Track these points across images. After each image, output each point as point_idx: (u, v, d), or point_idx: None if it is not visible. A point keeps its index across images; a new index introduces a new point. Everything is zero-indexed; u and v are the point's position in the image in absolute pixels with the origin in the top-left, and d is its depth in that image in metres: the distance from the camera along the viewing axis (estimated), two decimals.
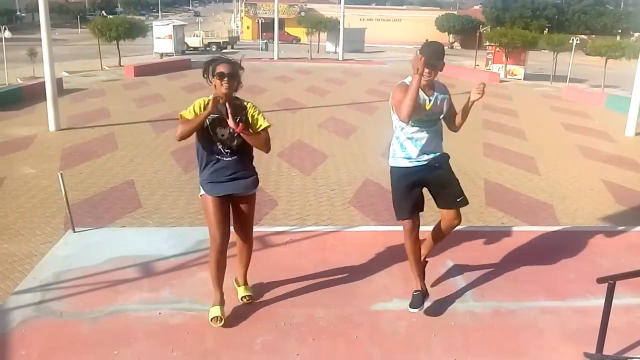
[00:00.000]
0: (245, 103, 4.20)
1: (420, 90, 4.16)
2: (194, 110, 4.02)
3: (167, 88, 22.33)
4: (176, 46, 39.24)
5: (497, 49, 31.51)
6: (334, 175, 10.74)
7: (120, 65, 29.12)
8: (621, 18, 55.64)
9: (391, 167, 4.50)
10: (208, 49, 45.06)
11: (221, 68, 3.99)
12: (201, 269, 4.97)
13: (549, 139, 14.97)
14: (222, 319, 4.09)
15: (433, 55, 4.14)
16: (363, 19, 59.97)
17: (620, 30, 53.92)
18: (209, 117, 3.99)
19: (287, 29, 58.49)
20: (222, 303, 4.18)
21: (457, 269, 5.10)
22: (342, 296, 4.62)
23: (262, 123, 4.23)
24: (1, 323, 4.10)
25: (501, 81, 28.99)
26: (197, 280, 4.80)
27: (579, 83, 28.01)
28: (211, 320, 4.10)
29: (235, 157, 4.13)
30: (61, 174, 5.84)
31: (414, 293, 4.37)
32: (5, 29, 22.59)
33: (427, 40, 4.41)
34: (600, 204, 9.42)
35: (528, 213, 8.79)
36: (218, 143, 4.09)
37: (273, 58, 37.65)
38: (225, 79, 3.97)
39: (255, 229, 6.58)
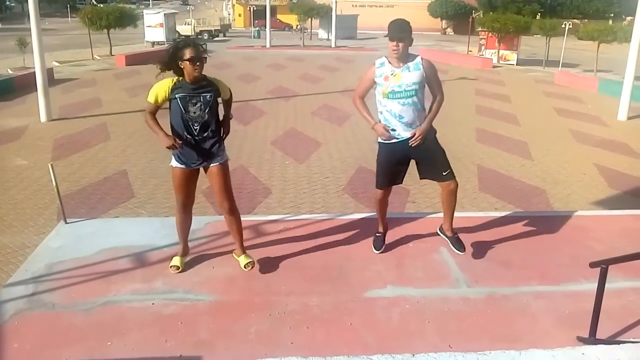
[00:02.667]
0: (212, 79, 4.51)
1: (388, 63, 4.61)
2: (157, 95, 4.36)
3: (158, 77, 22.14)
4: (167, 35, 38.89)
5: (490, 34, 31.42)
6: (327, 162, 10.72)
7: (112, 55, 28.86)
8: (613, 2, 55.53)
9: (378, 142, 4.83)
10: (200, 37, 44.72)
11: (191, 52, 4.22)
12: (195, 258, 4.96)
13: (541, 124, 14.98)
14: (178, 268, 4.67)
15: (398, 29, 4.45)
16: (355, 6, 59.66)
17: (612, 15, 53.83)
18: (179, 95, 4.31)
19: (279, 16, 58.15)
20: (183, 254, 4.78)
21: (451, 255, 5.11)
22: (336, 284, 4.63)
23: (227, 89, 4.65)
24: None
25: (494, 66, 28.95)
26: (190, 270, 4.79)
27: (572, 68, 27.99)
28: (170, 267, 4.68)
29: (204, 133, 4.41)
30: (52, 165, 5.80)
31: (376, 234, 5.20)
32: None
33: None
34: (593, 188, 9.44)
35: (521, 198, 8.81)
36: (188, 120, 4.36)
37: (265, 46, 37.43)
38: (197, 62, 4.24)
39: (250, 217, 6.60)
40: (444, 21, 62.29)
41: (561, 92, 20.93)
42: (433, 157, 4.75)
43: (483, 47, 32.77)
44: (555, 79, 23.93)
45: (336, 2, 41.09)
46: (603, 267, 3.68)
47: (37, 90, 14.27)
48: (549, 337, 3.93)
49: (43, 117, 14.12)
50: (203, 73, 4.37)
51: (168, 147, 4.35)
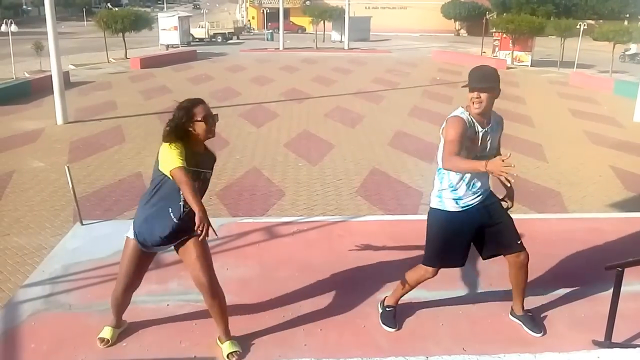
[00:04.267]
0: (211, 150, 3.72)
1: (470, 119, 3.63)
2: (181, 157, 3.31)
3: (173, 80, 22.32)
4: (182, 38, 39.15)
5: (504, 35, 31.26)
6: (340, 165, 10.73)
7: (127, 58, 29.11)
8: (629, 2, 54.91)
9: (433, 208, 3.86)
10: (214, 39, 44.94)
11: (205, 111, 3.45)
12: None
13: (556, 126, 14.87)
14: (108, 342, 3.79)
15: (482, 79, 3.59)
16: (368, 7, 59.50)
17: (627, 15, 53.29)
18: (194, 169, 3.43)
19: (292, 19, 58.25)
20: (117, 326, 3.89)
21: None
22: (349, 286, 4.63)
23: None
24: (11, 316, 4.14)
25: (508, 68, 28.78)
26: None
27: (587, 69, 27.75)
28: (97, 339, 3.80)
29: (185, 219, 3.49)
30: (68, 167, 5.87)
31: (387, 309, 4.15)
32: (11, 23, 22.60)
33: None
34: (608, 191, 9.36)
35: (536, 200, 8.75)
36: (180, 200, 3.49)
37: (278, 48, 37.53)
38: (210, 121, 3.47)
39: (263, 219, 6.63)
40: (457, 22, 62.00)
41: (576, 93, 20.76)
42: (506, 224, 3.89)
43: (497, 49, 32.62)
44: (570, 80, 23.75)
45: (349, 4, 41.09)
46: (619, 270, 3.65)
47: (53, 93, 14.45)
48: (564, 341, 3.90)
49: (59, 120, 14.29)
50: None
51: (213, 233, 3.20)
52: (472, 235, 3.85)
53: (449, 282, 4.72)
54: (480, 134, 3.67)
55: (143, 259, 3.74)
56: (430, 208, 3.89)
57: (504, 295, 4.48)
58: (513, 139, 12.93)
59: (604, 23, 38.49)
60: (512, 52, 30.77)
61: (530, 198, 8.85)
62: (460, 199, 3.76)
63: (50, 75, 14.91)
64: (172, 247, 3.73)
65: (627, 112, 16.25)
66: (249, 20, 64.37)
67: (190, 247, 3.61)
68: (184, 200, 3.44)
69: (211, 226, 3.11)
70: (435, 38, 53.67)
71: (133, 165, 10.48)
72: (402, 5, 62.71)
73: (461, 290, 4.60)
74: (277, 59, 31.50)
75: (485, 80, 3.60)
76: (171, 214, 3.52)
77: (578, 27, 28.01)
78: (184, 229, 3.54)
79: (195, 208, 3.10)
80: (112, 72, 24.92)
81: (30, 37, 26.50)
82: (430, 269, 3.93)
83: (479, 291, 4.59)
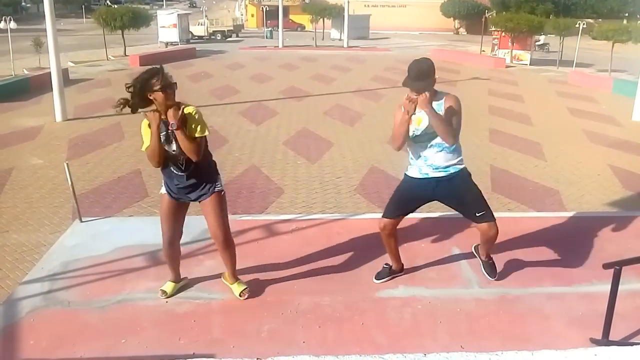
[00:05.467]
0: (186, 107, 4.01)
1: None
2: (144, 139, 4.03)
3: (172, 77, 22.25)
4: (181, 35, 39.10)
5: (503, 34, 31.27)
6: (339, 163, 10.73)
7: (126, 55, 29.06)
8: (628, 1, 54.96)
9: (405, 173, 4.55)
10: (213, 37, 44.91)
11: (158, 82, 3.82)
12: (207, 257, 5.00)
13: (555, 124, 14.88)
14: (166, 294, 4.38)
15: (415, 76, 4.11)
16: (368, 5, 59.52)
17: (627, 14, 53.31)
18: (161, 133, 3.93)
19: (291, 17, 58.21)
20: (175, 280, 4.48)
21: (463, 256, 5.10)
22: (348, 283, 4.64)
23: (197, 133, 3.97)
24: (10, 313, 4.16)
25: (507, 66, 28.79)
26: (203, 268, 4.83)
27: (586, 67, 27.76)
28: (159, 290, 4.40)
29: (187, 172, 4.06)
30: (67, 164, 5.87)
31: (384, 265, 4.76)
32: (10, 20, 22.55)
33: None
34: (607, 189, 9.37)
35: (534, 199, 8.76)
36: (170, 159, 4.03)
37: (278, 46, 37.51)
38: (168, 90, 3.85)
39: (262, 217, 6.64)
40: (456, 21, 62.00)
41: (575, 92, 20.78)
42: (464, 198, 4.38)
43: (496, 47, 32.62)
44: (569, 79, 23.76)
45: (348, 2, 41.08)
46: (617, 268, 3.67)
47: (52, 90, 14.43)
48: (562, 338, 3.92)
49: (58, 117, 14.28)
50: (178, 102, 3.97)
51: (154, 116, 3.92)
52: (424, 199, 4.51)
53: (447, 280, 4.74)
54: (417, 116, 4.24)
55: (178, 209, 4.24)
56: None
57: (502, 293, 4.50)
58: (511, 137, 12.94)
59: (603, 22, 38.50)
60: (512, 51, 30.78)
61: (528, 196, 8.86)
62: (420, 169, 4.40)
63: (50, 73, 14.89)
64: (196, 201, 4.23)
65: (625, 111, 16.27)
66: (246, 20, 64.37)
67: (208, 205, 4.15)
68: (173, 157, 4.02)
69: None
70: (435, 36, 53.68)
71: (132, 162, 10.48)
72: (402, 4, 62.71)
73: (459, 289, 4.61)
74: (276, 56, 31.48)
75: (419, 78, 4.13)
76: (174, 170, 4.09)
77: (577, 26, 28.02)
78: (198, 182, 4.11)
79: (153, 128, 3.92)
80: (111, 69, 24.89)
81: (29, 34, 26.46)
82: (381, 219, 4.55)
83: (476, 289, 4.61)
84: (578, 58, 27.34)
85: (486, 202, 4.40)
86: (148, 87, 3.82)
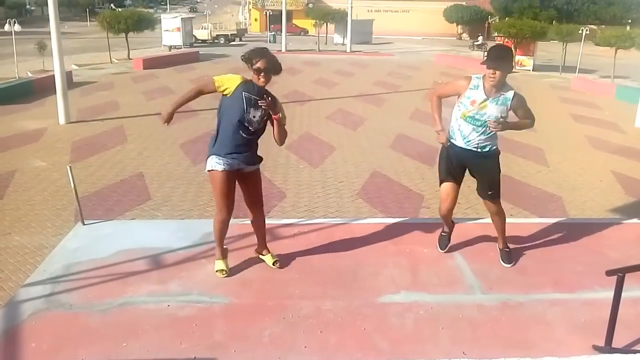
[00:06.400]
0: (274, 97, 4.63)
1: (482, 87, 4.58)
2: (225, 83, 4.52)
3: (175, 81, 22.35)
4: (184, 39, 39.23)
5: (506, 39, 31.29)
6: (342, 167, 10.74)
7: (129, 58, 29.16)
8: (631, 8, 55.03)
9: (450, 140, 4.91)
10: (216, 41, 45.02)
11: (261, 64, 4.47)
12: (210, 261, 4.99)
13: (557, 130, 14.87)
14: (226, 271, 4.71)
15: (497, 55, 4.45)
16: (371, 10, 59.65)
17: (630, 21, 53.34)
18: (246, 94, 4.43)
19: (294, 21, 58.34)
20: (225, 257, 4.79)
21: (465, 261, 5.09)
22: (349, 288, 4.63)
23: (283, 120, 4.68)
24: (12, 315, 4.15)
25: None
26: (205, 272, 4.82)
27: (589, 74, 27.76)
28: (217, 272, 4.70)
29: (253, 136, 4.55)
30: (70, 167, 5.88)
31: (442, 233, 5.27)
32: (15, 23, 22.65)
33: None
34: (609, 196, 9.36)
35: (537, 205, 8.75)
36: (246, 120, 4.44)
37: (281, 50, 37.59)
38: (262, 74, 4.48)
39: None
40: (459, 26, 62.08)
41: (578, 98, 20.78)
42: (485, 173, 4.91)
43: None
44: (571, 85, 23.76)
45: (352, 7, 41.14)
46: (619, 275, 3.66)
47: (56, 93, 14.48)
48: (564, 346, 3.90)
49: (62, 120, 14.32)
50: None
51: (164, 121, 4.52)
52: (461, 166, 4.92)
53: (449, 286, 4.73)
54: (483, 100, 4.57)
55: (231, 179, 4.54)
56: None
57: (505, 300, 4.49)
58: (514, 143, 12.93)
59: (606, 28, 38.54)
60: (514, 57, 30.78)
61: (531, 202, 8.86)
62: (453, 139, 4.87)
63: (53, 75, 14.94)
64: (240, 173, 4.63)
65: (628, 118, 16.26)
66: (249, 25, 64.43)
67: (254, 177, 4.75)
68: (248, 121, 4.50)
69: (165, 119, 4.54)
70: (438, 41, 53.73)
71: (135, 165, 10.50)
72: (405, 9, 62.85)
73: (462, 294, 4.60)
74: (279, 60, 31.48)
75: (501, 59, 4.47)
76: (239, 132, 4.49)
77: (580, 32, 28.03)
78: (252, 150, 4.63)
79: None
80: (115, 72, 24.96)
81: (34, 37, 26.56)
82: (441, 187, 5.02)
83: (478, 295, 4.59)
84: (581, 64, 27.35)
85: (499, 185, 4.97)
86: (250, 62, 4.48)
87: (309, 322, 4.12)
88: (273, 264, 4.87)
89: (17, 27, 22.49)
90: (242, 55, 4.53)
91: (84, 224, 5.77)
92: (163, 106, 4.57)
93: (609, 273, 3.78)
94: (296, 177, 10.00)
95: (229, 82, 4.50)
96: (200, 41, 43.78)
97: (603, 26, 48.21)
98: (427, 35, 59.09)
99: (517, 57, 30.80)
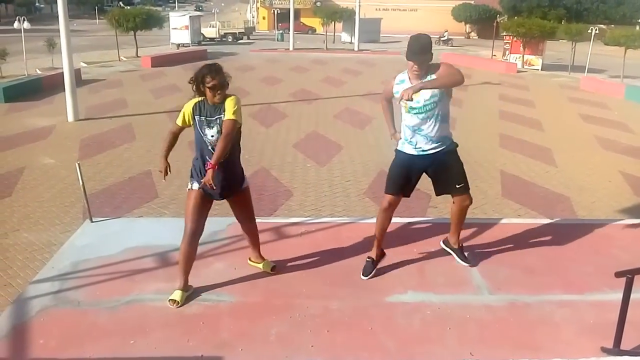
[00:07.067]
0: (228, 98, 4.26)
1: (408, 79, 4.53)
2: (184, 116, 4.34)
3: (183, 79, 22.13)
4: (192, 37, 39.29)
5: (515, 39, 31.16)
6: (349, 166, 10.73)
7: (138, 56, 29.25)
8: None
9: (396, 149, 4.85)
10: (224, 39, 45.07)
11: (211, 80, 4.16)
12: (217, 259, 5.01)
13: (566, 130, 14.80)
14: (178, 303, 4.28)
15: (416, 50, 4.34)
16: (379, 9, 59.50)
17: (639, 20, 52.99)
18: (198, 118, 4.27)
19: (302, 20, 58.30)
20: (186, 289, 4.39)
21: (473, 261, 5.07)
22: (356, 288, 4.63)
23: (230, 115, 4.19)
24: (20, 312, 4.17)
25: (518, 71, 28.70)
26: (212, 270, 4.83)
27: (598, 73, 27.60)
28: (169, 300, 4.29)
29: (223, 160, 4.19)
30: (79, 164, 5.90)
31: (367, 259, 4.85)
32: (24, 20, 22.76)
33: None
34: (618, 196, 9.30)
35: (545, 205, 8.71)
36: (207, 143, 4.26)
37: (289, 49, 37.58)
38: (218, 91, 4.18)
39: (270, 219, 6.64)
40: (468, 25, 61.82)
41: (587, 98, 20.67)
42: (450, 170, 4.71)
43: (507, 52, 32.53)
44: (580, 85, 23.64)
45: (360, 5, 41.07)
46: (629, 276, 3.63)
47: (64, 91, 14.56)
48: (572, 347, 3.88)
49: (70, 117, 14.39)
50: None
51: (164, 174, 4.47)
52: (418, 175, 4.76)
53: (456, 286, 4.71)
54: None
55: (206, 202, 4.36)
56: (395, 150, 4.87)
57: (513, 300, 4.47)
58: (522, 143, 12.89)
59: (616, 28, 38.29)
60: (523, 56, 30.66)
61: (539, 203, 8.81)
62: (413, 144, 4.67)
63: (62, 73, 15.01)
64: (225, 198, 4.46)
65: (638, 118, 16.17)
66: (257, 23, 64.50)
67: (238, 203, 4.56)
68: (210, 144, 4.24)
69: (163, 172, 4.47)
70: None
71: (143, 163, 10.53)
72: (413, 7, 62.62)
73: (469, 295, 4.58)
74: (287, 59, 31.54)
75: (420, 52, 4.35)
76: (209, 158, 4.22)
77: (589, 31, 27.87)
78: (230, 173, 4.34)
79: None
80: (123, 70, 25.04)
81: (43, 35, 26.68)
82: (385, 195, 4.74)
83: (486, 296, 4.58)
84: (590, 64, 27.21)
85: (466, 175, 4.75)
86: (202, 82, 4.19)
87: (315, 321, 4.12)
88: (271, 270, 4.80)
89: (26, 25, 22.59)
90: (191, 79, 4.29)
91: (92, 222, 5.80)
92: (159, 162, 4.55)
93: (618, 274, 3.76)
94: (303, 176, 10.00)
95: (185, 114, 4.34)
96: (208, 39, 43.83)
97: (612, 26, 47.89)
98: (436, 34, 58.86)
99: (526, 57, 30.68)
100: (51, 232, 7.38)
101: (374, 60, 32.66)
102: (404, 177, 4.73)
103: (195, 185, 4.32)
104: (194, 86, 4.27)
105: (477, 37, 59.79)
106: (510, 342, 3.96)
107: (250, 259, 4.92)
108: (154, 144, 11.92)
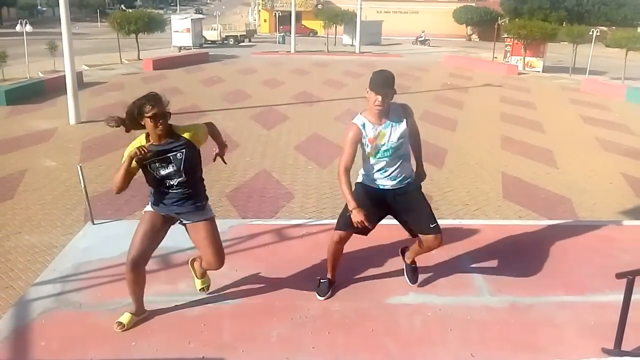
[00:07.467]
0: (179, 130, 3.92)
1: (368, 122, 4.14)
2: (125, 155, 3.83)
3: (185, 81, 22.43)
4: (194, 40, 39.34)
5: (516, 41, 31.16)
6: None
7: (139, 59, 29.28)
8: None
9: (356, 182, 4.41)
10: (226, 42, 45.14)
11: (151, 109, 3.69)
12: None
13: (567, 132, 14.80)
14: (124, 326, 3.98)
15: (384, 84, 4.01)
16: (380, 12, 59.58)
17: None
18: (148, 162, 3.82)
19: (304, 22, 58.36)
20: (138, 314, 4.09)
21: (474, 263, 5.08)
22: (358, 289, 4.64)
23: (200, 129, 4.02)
24: (22, 314, 4.19)
25: (519, 73, 28.69)
26: (213, 272, 4.83)
27: (599, 75, 27.59)
28: (116, 322, 4.00)
29: (182, 188, 3.92)
30: (80, 166, 5.92)
31: (321, 281, 4.60)
32: (26, 23, 22.79)
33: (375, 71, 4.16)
34: (619, 198, 9.30)
35: (546, 207, 8.71)
36: (163, 178, 3.89)
37: (290, 51, 37.62)
38: (160, 120, 3.71)
39: (272, 221, 6.66)
40: (469, 27, 61.87)
41: (588, 99, 20.66)
42: (419, 207, 4.30)
43: (508, 54, 32.52)
44: (581, 87, 23.63)
45: (361, 8, 41.11)
46: (629, 278, 3.63)
47: (66, 93, 14.58)
48: (573, 348, 3.88)
49: (72, 120, 14.40)
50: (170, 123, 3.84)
51: (136, 153, 3.76)
52: (381, 212, 4.39)
53: (457, 287, 4.72)
54: (376, 131, 4.15)
55: (160, 225, 4.01)
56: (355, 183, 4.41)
57: (514, 302, 4.47)
58: (523, 145, 12.88)
59: (617, 29, 38.28)
60: (524, 58, 30.66)
61: (540, 204, 8.81)
62: (375, 180, 4.31)
63: (64, 76, 15.04)
64: (184, 226, 4.08)
65: (639, 119, 16.15)
66: (259, 26, 64.55)
67: (201, 232, 3.98)
68: (167, 178, 3.89)
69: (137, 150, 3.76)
70: (447, 43, 53.56)
71: None
72: (414, 10, 62.70)
73: (470, 297, 4.59)
74: (288, 61, 31.57)
75: (388, 87, 4.02)
76: (166, 189, 3.94)
77: (590, 33, 27.86)
78: (190, 198, 3.97)
79: (122, 169, 3.80)
80: (125, 73, 25.08)
81: (45, 38, 26.73)
82: (335, 232, 4.40)
83: (487, 297, 4.58)
84: (591, 66, 27.20)
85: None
86: (141, 112, 3.72)
87: (317, 323, 4.13)
88: (200, 290, 4.40)
89: (28, 28, 22.62)
90: (128, 109, 3.81)
91: (94, 224, 5.81)
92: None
93: (619, 276, 3.76)
94: (304, 178, 10.01)
95: (126, 153, 3.85)
96: (209, 42, 43.89)
97: (614, 27, 47.89)
98: (437, 37, 58.92)
99: (527, 59, 30.69)
100: (53, 234, 7.39)
101: (375, 63, 32.63)
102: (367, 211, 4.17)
103: (149, 207, 4.04)
104: (128, 121, 3.84)
105: (478, 40, 59.82)
106: (511, 343, 3.96)
107: (192, 263, 4.42)
108: None
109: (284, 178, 9.94)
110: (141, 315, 4.12)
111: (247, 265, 4.95)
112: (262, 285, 4.68)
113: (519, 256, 5.27)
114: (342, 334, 4.01)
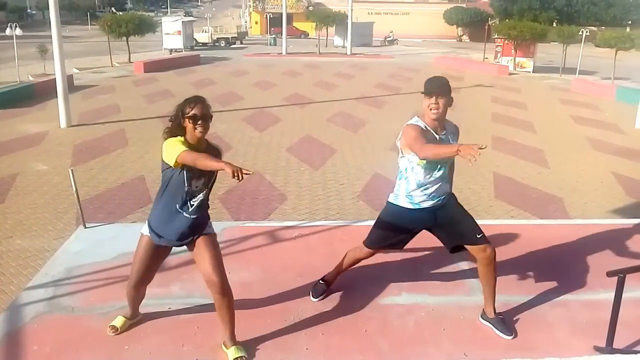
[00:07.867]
0: (214, 146, 3.77)
1: (426, 127, 3.88)
2: (183, 144, 3.45)
3: (176, 84, 22.38)
4: (185, 42, 39.26)
5: (506, 41, 31.32)
6: (342, 169, 10.75)
7: (130, 62, 29.19)
8: (631, 9, 55.05)
9: (390, 202, 4.20)
10: (217, 44, 45.08)
11: (196, 110, 3.50)
12: None
13: (558, 132, 14.88)
14: (116, 329, 3.95)
15: (442, 89, 3.80)
16: (371, 13, 59.71)
17: (630, 22, 53.37)
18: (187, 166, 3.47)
19: (295, 24, 58.39)
20: (132, 317, 4.06)
21: (466, 263, 5.09)
22: (351, 290, 4.64)
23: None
24: (14, 318, 4.16)
25: (510, 74, 28.84)
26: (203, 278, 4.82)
27: (589, 75, 27.78)
28: (108, 326, 3.98)
29: (198, 212, 3.71)
30: (72, 170, 5.89)
31: (319, 282, 4.55)
32: (16, 27, 22.68)
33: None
34: (610, 197, 9.36)
35: (537, 206, 8.76)
36: (187, 194, 3.63)
37: (281, 53, 37.63)
38: (199, 121, 3.49)
39: (265, 223, 6.65)
40: (459, 28, 62.12)
41: (578, 99, 20.79)
42: (463, 219, 4.09)
43: (499, 55, 32.67)
44: (572, 87, 23.78)
45: (352, 9, 41.19)
46: (620, 276, 3.66)
47: (57, 97, 14.52)
48: (565, 347, 3.91)
49: (63, 123, 14.34)
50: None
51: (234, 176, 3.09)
52: (416, 231, 4.20)
53: (450, 287, 4.74)
54: (438, 140, 3.93)
55: (156, 254, 3.86)
56: (387, 202, 4.24)
57: (506, 301, 4.49)
58: (515, 145, 12.95)
59: (606, 30, 38.54)
60: (514, 58, 30.81)
61: (531, 204, 8.86)
62: (414, 201, 4.06)
63: (54, 79, 14.97)
64: (185, 246, 3.84)
65: (629, 119, 16.27)
66: (250, 28, 64.49)
67: (202, 246, 3.74)
68: (190, 195, 3.64)
69: (240, 168, 3.10)
70: (438, 43, 53.77)
71: (136, 168, 10.52)
72: (405, 11, 62.91)
73: (463, 296, 4.61)
74: (279, 63, 31.58)
75: (443, 88, 3.82)
76: (180, 210, 3.67)
77: (580, 33, 28.05)
78: (198, 225, 3.74)
79: (219, 166, 3.21)
80: (116, 76, 24.99)
81: (35, 41, 26.61)
82: (366, 249, 4.32)
83: (480, 297, 4.59)
84: (581, 66, 27.38)
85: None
86: (183, 113, 3.54)
87: (310, 324, 4.13)
88: (236, 358, 3.71)
89: (18, 31, 22.52)
90: (174, 112, 3.59)
91: (86, 227, 5.79)
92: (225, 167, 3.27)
93: (610, 274, 3.79)
94: (297, 180, 10.01)
95: (175, 144, 3.48)
96: (201, 44, 43.81)
97: (603, 27, 48.20)
98: (427, 38, 59.10)
99: (518, 59, 30.84)
100: (44, 238, 7.36)
101: (366, 64, 32.74)
102: (397, 233, 4.17)
103: (145, 230, 3.83)
104: (174, 125, 3.58)
105: (468, 40, 60.06)
106: (504, 342, 3.98)
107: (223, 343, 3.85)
108: (147, 149, 11.91)
109: (277, 180, 9.94)
110: (135, 318, 4.11)
111: (240, 267, 4.95)
112: (256, 287, 4.67)
113: (511, 255, 5.29)
114: (336, 335, 4.01)
